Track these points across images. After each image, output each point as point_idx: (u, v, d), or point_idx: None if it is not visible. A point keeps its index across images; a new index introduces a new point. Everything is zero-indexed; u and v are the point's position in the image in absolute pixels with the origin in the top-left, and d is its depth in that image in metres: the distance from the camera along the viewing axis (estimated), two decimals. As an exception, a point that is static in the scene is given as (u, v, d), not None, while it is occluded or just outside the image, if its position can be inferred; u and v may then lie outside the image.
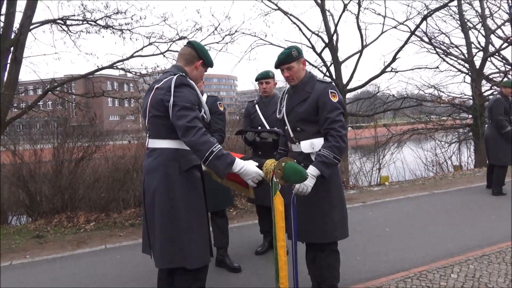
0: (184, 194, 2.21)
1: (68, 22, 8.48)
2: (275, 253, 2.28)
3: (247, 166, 2.15)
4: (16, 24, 7.02)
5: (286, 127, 2.80)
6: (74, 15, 8.52)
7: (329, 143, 2.52)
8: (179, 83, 2.17)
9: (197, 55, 2.38)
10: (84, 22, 8.57)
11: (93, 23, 8.59)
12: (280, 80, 6.68)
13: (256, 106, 3.96)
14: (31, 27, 7.42)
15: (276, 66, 2.71)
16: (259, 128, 3.81)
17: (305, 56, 2.81)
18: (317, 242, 2.66)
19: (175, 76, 2.19)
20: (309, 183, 2.42)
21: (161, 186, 2.21)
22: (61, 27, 8.51)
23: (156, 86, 2.24)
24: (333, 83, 2.71)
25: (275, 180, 2.22)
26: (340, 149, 2.52)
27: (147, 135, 2.37)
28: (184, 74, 2.26)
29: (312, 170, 2.45)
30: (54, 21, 8.33)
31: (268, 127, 3.77)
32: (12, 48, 6.84)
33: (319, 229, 2.60)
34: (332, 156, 2.48)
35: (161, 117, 2.20)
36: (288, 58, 2.64)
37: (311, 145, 2.63)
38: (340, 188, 2.75)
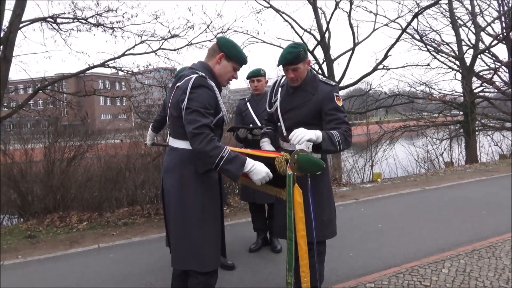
0: (197, 196, 2.19)
1: (59, 20, 8.45)
2: (289, 244, 2.23)
3: (257, 166, 2.10)
4: (5, 23, 6.96)
5: (279, 124, 2.72)
6: (64, 13, 8.48)
7: (342, 131, 2.41)
8: (197, 84, 2.10)
9: (218, 47, 2.28)
10: (75, 20, 8.55)
11: (84, 21, 8.55)
12: (271, 78, 6.67)
13: (248, 104, 3.95)
14: (21, 25, 7.37)
15: (281, 65, 2.52)
16: (251, 125, 3.82)
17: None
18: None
19: (194, 76, 2.13)
20: (310, 133, 2.26)
21: (175, 187, 2.20)
22: (51, 25, 8.47)
23: (178, 84, 2.20)
24: (337, 86, 2.61)
25: (289, 173, 2.14)
26: (346, 143, 2.43)
27: (169, 133, 2.36)
28: (204, 74, 2.17)
29: (318, 132, 2.31)
30: (44, 19, 8.28)
31: (259, 125, 3.77)
32: (1, 47, 6.77)
33: (307, 229, 2.50)
34: (338, 139, 2.36)
35: (178, 118, 2.16)
36: (297, 58, 2.48)
37: (306, 144, 2.45)
38: (330, 190, 2.72)
